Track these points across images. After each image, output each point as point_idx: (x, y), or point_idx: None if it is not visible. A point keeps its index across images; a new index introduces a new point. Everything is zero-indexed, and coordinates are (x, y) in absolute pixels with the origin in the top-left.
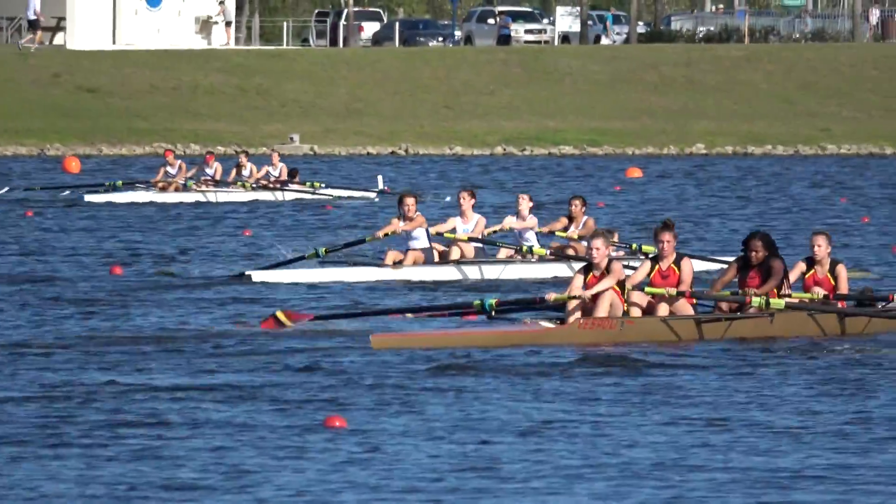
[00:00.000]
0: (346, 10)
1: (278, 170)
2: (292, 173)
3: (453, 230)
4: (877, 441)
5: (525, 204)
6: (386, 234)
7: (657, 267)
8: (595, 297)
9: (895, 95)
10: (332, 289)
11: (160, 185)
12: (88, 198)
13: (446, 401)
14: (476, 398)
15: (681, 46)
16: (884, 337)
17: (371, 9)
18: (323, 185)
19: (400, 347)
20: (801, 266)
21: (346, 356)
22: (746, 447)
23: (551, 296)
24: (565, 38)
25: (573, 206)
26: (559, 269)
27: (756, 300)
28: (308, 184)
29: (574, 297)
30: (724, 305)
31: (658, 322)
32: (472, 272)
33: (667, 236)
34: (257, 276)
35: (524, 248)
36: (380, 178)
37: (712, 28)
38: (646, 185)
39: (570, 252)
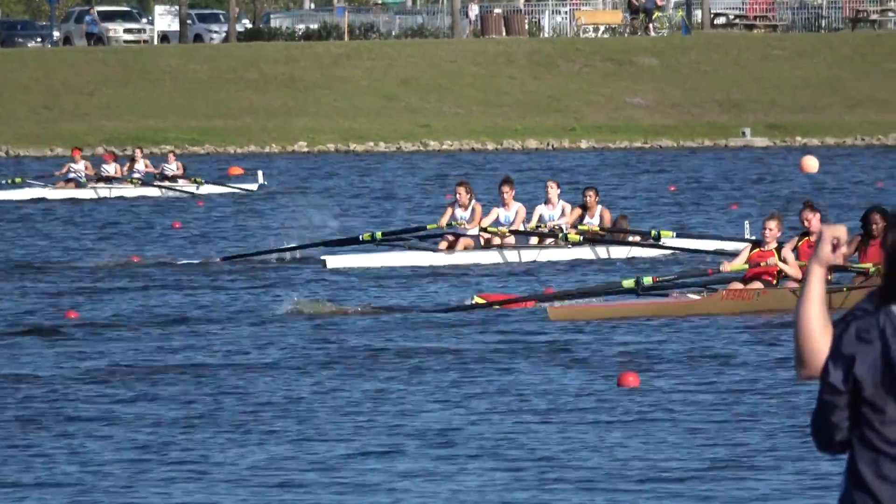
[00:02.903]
0: None
1: (174, 166)
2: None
3: (496, 222)
4: None
5: (553, 191)
6: (449, 224)
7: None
8: (765, 272)
9: (494, 91)
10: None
11: (59, 182)
12: None
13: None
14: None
15: (281, 44)
16: None
17: None
18: (202, 182)
19: (573, 318)
20: None
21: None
22: None
23: (726, 266)
24: (164, 37)
25: (587, 197)
26: (587, 253)
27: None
28: (192, 179)
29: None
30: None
31: (787, 293)
32: (513, 256)
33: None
34: (331, 261)
35: (559, 235)
36: (260, 173)
37: (312, 26)
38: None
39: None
